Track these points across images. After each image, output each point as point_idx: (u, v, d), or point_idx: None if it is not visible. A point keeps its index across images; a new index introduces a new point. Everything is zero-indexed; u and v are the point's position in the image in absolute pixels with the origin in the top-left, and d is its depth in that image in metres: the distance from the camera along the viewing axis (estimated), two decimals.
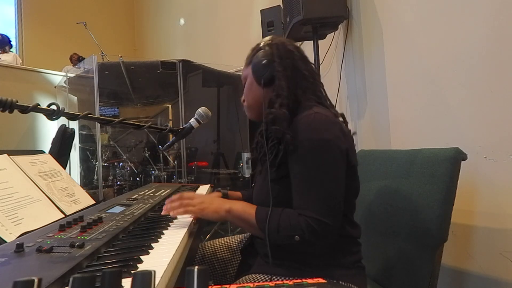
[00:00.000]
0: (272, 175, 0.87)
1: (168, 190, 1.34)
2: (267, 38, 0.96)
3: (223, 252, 1.14)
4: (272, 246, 0.81)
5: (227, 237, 1.18)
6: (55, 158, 1.18)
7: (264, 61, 0.90)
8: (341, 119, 0.91)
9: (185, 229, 0.81)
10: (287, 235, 0.78)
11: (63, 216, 0.93)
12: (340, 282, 0.82)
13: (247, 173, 3.22)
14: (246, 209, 0.86)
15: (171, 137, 1.12)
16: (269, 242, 0.79)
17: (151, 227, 0.83)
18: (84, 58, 4.12)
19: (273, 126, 0.85)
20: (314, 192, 0.79)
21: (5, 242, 0.71)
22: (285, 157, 0.84)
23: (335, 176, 0.80)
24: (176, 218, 0.94)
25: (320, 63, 2.18)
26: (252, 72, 0.94)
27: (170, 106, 4.64)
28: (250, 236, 1.06)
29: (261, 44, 0.95)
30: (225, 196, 1.14)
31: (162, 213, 0.90)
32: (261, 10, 2.57)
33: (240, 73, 1.03)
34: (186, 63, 3.51)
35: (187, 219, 0.92)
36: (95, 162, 3.75)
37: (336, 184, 0.80)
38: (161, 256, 0.62)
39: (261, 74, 0.91)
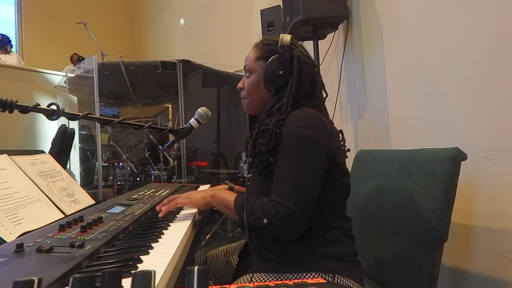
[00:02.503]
0: (262, 169, 0.91)
1: (168, 190, 1.34)
2: (287, 38, 0.94)
3: (224, 257, 1.14)
4: (261, 238, 0.89)
5: (228, 245, 1.19)
6: (55, 158, 1.18)
7: (281, 72, 0.92)
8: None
9: (185, 229, 0.81)
10: (257, 217, 0.84)
11: (63, 216, 0.93)
12: (336, 275, 0.82)
13: (247, 173, 3.21)
14: (227, 195, 0.94)
15: (171, 137, 1.12)
16: (245, 225, 0.85)
17: (151, 227, 0.83)
18: (84, 58, 4.12)
19: (261, 138, 0.90)
20: (286, 181, 0.84)
21: (5, 242, 0.71)
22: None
23: (310, 170, 0.84)
24: (176, 217, 0.94)
25: (320, 63, 2.18)
26: (265, 75, 0.95)
27: (170, 106, 4.64)
28: (247, 240, 1.07)
29: (280, 45, 0.93)
30: (231, 189, 1.17)
31: (160, 215, 0.94)
32: (261, 10, 2.57)
33: (240, 73, 1.03)
34: (186, 63, 3.51)
35: (186, 219, 0.92)
36: (95, 162, 3.75)
37: (309, 177, 0.84)
38: (161, 256, 0.62)
39: (274, 83, 0.93)
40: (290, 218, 0.81)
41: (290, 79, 0.92)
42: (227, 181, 1.20)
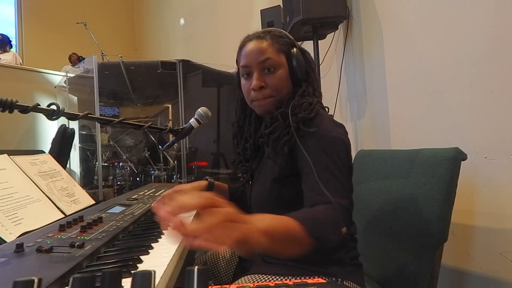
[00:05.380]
0: (276, 174, 0.87)
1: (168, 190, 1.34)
2: (288, 34, 0.95)
3: (224, 257, 1.13)
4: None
5: None
6: (55, 158, 1.18)
7: (304, 64, 0.92)
8: None
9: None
10: (333, 231, 0.68)
11: (63, 216, 0.93)
12: (339, 280, 0.82)
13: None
14: (283, 222, 0.61)
15: (171, 137, 1.11)
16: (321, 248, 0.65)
17: (151, 227, 0.83)
18: (84, 58, 4.12)
19: (302, 113, 0.84)
20: (335, 181, 0.76)
21: (5, 242, 0.71)
22: (290, 155, 0.84)
23: (345, 167, 0.81)
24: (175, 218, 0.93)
25: (320, 63, 2.18)
26: (294, 69, 0.91)
27: (170, 106, 4.64)
28: None
29: (291, 39, 0.94)
30: (211, 185, 1.11)
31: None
32: (261, 10, 2.57)
33: None
34: (186, 63, 3.51)
35: (186, 219, 0.92)
36: (95, 162, 3.75)
37: (346, 174, 0.81)
38: (161, 256, 0.62)
39: (301, 75, 0.91)
40: (350, 213, 0.79)
41: (310, 71, 0.93)
42: (207, 177, 1.12)
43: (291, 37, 0.95)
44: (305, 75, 0.92)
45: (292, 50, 0.91)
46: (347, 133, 0.88)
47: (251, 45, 0.92)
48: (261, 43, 0.91)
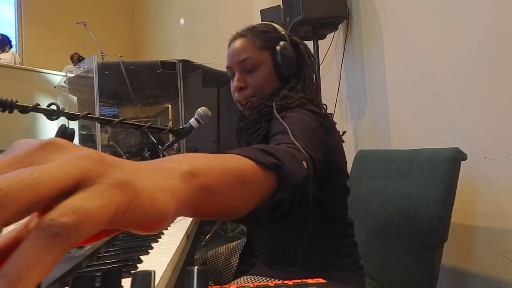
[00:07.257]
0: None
1: None
2: (278, 27, 0.90)
3: (224, 257, 1.13)
4: (264, 241, 0.78)
5: (228, 245, 1.16)
6: None
7: (294, 59, 0.87)
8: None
9: (185, 229, 0.81)
10: (295, 160, 0.48)
11: None
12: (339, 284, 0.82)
13: None
14: (222, 161, 0.35)
15: (171, 137, 1.11)
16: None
17: None
18: (84, 58, 4.12)
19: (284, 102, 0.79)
20: (303, 134, 0.64)
21: None
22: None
23: (317, 138, 0.68)
24: None
25: (320, 63, 2.18)
26: (279, 65, 0.86)
27: (170, 106, 4.64)
28: (247, 240, 1.05)
29: (280, 32, 0.88)
30: None
31: None
32: (261, 10, 2.57)
33: None
34: (186, 63, 3.51)
35: (186, 218, 0.92)
36: None
37: (318, 143, 0.67)
38: (161, 256, 0.62)
39: (289, 71, 0.87)
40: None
41: (304, 65, 0.88)
42: None
43: (280, 30, 0.89)
44: (296, 70, 0.88)
45: (277, 45, 0.86)
46: (330, 121, 0.82)
47: (233, 45, 0.89)
48: (241, 42, 0.87)
